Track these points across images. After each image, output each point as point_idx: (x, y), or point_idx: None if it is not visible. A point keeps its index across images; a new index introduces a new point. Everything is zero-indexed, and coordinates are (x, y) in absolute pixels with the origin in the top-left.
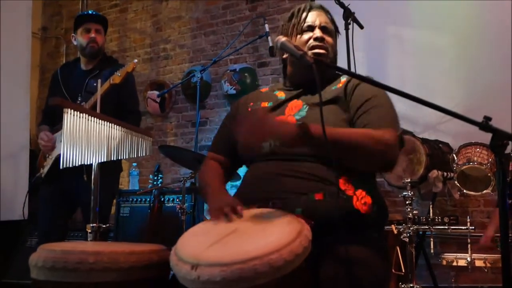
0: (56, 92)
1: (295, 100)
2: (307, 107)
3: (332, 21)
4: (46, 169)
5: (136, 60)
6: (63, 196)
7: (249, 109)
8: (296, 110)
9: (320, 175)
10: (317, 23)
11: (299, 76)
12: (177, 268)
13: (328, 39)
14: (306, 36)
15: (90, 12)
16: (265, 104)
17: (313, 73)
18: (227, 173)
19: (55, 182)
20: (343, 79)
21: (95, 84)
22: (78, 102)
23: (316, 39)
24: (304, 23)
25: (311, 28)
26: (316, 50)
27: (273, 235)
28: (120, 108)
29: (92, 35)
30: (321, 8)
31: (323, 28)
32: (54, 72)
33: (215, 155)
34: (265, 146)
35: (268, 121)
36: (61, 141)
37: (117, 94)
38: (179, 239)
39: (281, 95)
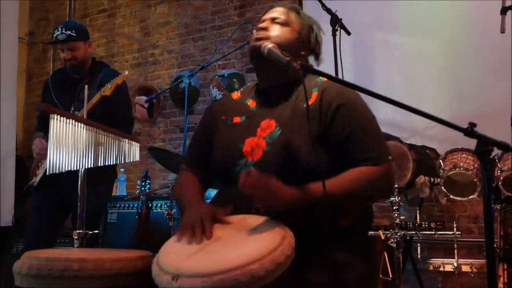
0: (47, 101)
1: (268, 120)
2: (280, 129)
3: (297, 15)
4: (38, 178)
5: (126, 72)
6: (56, 204)
7: (220, 124)
8: (269, 132)
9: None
10: (267, 16)
11: (272, 79)
12: (159, 278)
13: (275, 28)
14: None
15: (58, 36)
16: (238, 120)
17: (300, 79)
18: (204, 184)
19: (47, 190)
20: (314, 91)
21: (86, 92)
22: (71, 111)
23: (259, 30)
24: (260, 20)
25: (261, 23)
26: (254, 36)
27: (255, 243)
28: (112, 115)
29: (66, 56)
30: (281, 6)
31: (272, 19)
32: (46, 80)
33: (191, 170)
34: (236, 170)
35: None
36: None
37: (109, 103)
38: (161, 248)
39: (252, 105)
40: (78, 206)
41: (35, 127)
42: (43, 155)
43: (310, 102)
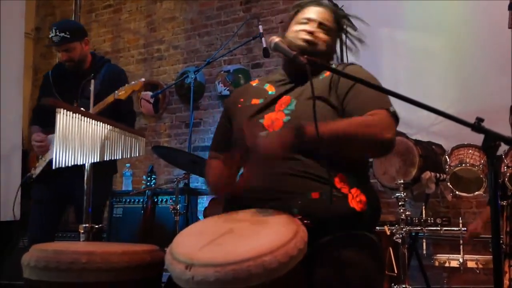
0: (48, 95)
1: (284, 97)
2: (295, 101)
3: (337, 22)
4: (38, 170)
5: (143, 79)
6: (56, 197)
7: (239, 106)
8: (285, 105)
9: (316, 173)
10: (315, 17)
11: (289, 70)
12: (172, 267)
13: (322, 35)
14: (300, 27)
15: (52, 38)
16: (256, 101)
17: (306, 71)
18: None
19: (47, 184)
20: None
21: (90, 88)
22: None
23: (307, 32)
24: (304, 14)
25: (307, 20)
26: (306, 37)
27: (268, 236)
28: (115, 109)
29: (62, 58)
30: (327, 6)
31: (320, 24)
32: (46, 73)
33: (216, 154)
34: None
35: (263, 141)
36: None
37: (115, 104)
38: (175, 238)
39: (271, 89)
40: (80, 200)
41: (30, 120)
42: (45, 147)
43: (325, 75)
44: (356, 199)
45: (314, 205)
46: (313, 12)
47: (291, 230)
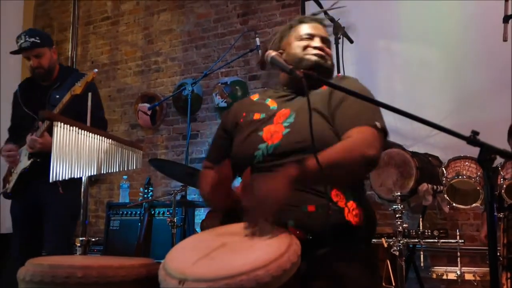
0: (18, 111)
1: (283, 109)
2: (294, 114)
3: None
4: (11, 185)
5: (96, 70)
6: (30, 211)
7: (241, 120)
8: (284, 118)
9: (312, 186)
10: (317, 33)
11: (290, 84)
12: (165, 283)
13: (328, 50)
14: (304, 42)
15: (22, 44)
16: (258, 116)
17: (302, 85)
18: None
19: (20, 199)
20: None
21: (57, 97)
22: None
23: (316, 47)
24: (303, 30)
25: (310, 36)
26: (317, 52)
27: (261, 250)
28: (84, 117)
29: (33, 64)
30: (321, 21)
31: (322, 39)
32: (15, 90)
33: (211, 165)
34: (258, 155)
35: (261, 195)
36: (25, 155)
37: (79, 104)
38: (168, 253)
39: (272, 104)
40: (54, 206)
41: (6, 139)
42: (14, 157)
43: (322, 88)
44: (352, 213)
45: (310, 218)
46: (312, 27)
47: (284, 243)
